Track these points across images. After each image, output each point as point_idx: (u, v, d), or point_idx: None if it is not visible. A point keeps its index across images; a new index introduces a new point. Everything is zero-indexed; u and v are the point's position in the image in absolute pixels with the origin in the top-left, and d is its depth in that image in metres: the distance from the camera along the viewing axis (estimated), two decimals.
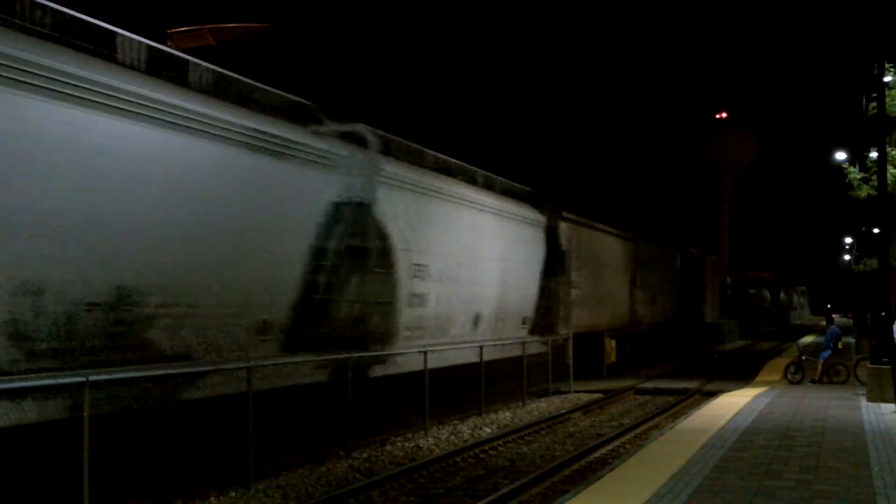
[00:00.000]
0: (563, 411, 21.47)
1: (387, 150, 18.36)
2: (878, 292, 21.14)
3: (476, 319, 21.71)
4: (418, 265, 18.66)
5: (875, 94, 20.08)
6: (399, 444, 16.44)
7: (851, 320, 69.22)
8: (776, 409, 18.04)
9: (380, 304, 17.28)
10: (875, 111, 19.99)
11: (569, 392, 25.74)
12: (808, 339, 54.56)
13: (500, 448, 16.55)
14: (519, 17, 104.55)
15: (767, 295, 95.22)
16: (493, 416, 20.56)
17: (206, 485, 12.25)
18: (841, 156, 29.58)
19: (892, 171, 20.62)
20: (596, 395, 25.03)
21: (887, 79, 20.23)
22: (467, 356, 20.31)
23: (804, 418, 16.56)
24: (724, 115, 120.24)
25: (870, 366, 20.04)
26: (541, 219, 26.98)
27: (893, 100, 20.52)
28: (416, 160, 20.05)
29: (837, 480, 10.55)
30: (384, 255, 17.46)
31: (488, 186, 23.90)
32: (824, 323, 39.16)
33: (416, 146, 20.22)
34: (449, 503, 12.27)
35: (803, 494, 9.76)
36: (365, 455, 15.12)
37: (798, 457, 12.23)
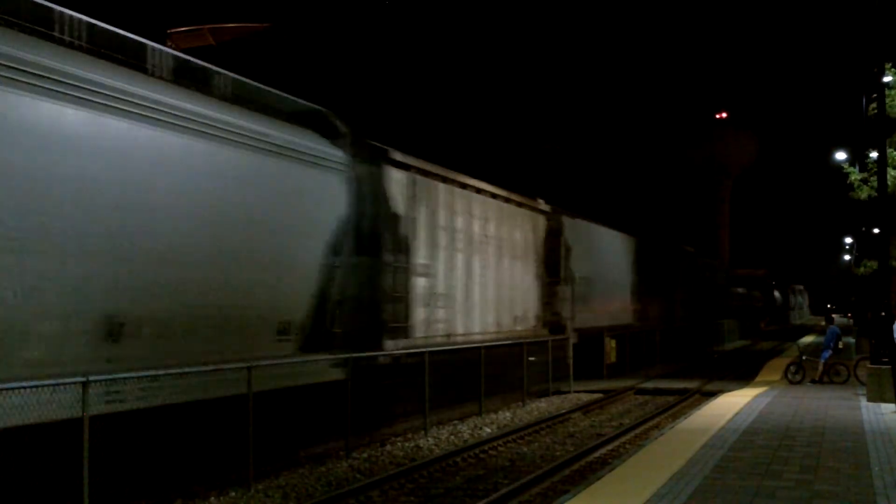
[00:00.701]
0: (563, 411, 21.47)
1: None
2: (878, 292, 21.15)
3: (111, 330, 11.34)
4: None
5: (875, 95, 20.10)
6: (399, 444, 16.44)
7: (851, 320, 69.27)
8: (776, 409, 18.05)
9: None
10: (875, 111, 20.00)
11: (569, 392, 25.74)
12: (808, 339, 54.58)
13: (500, 448, 16.55)
14: (520, 16, 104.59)
15: (759, 294, 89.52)
16: (493, 416, 20.55)
17: (206, 485, 12.26)
18: (841, 156, 29.62)
19: (892, 172, 20.63)
20: (596, 395, 25.03)
21: (887, 79, 20.24)
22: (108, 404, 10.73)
23: (804, 418, 16.56)
24: (724, 115, 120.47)
25: (870, 366, 20.07)
26: (340, 158, 16.75)
27: (893, 100, 20.53)
28: None
29: (837, 480, 10.56)
30: None
31: (199, 84, 13.87)
32: (823, 323, 39.15)
33: None
34: (449, 503, 12.27)
35: (803, 494, 9.77)
36: (365, 455, 15.12)
37: (798, 457, 12.24)
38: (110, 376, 10.57)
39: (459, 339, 20.81)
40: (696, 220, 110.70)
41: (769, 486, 10.17)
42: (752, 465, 11.52)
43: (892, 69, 20.50)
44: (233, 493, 12.11)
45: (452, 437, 17.50)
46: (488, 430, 18.53)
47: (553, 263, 27.96)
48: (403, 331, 18.23)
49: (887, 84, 20.18)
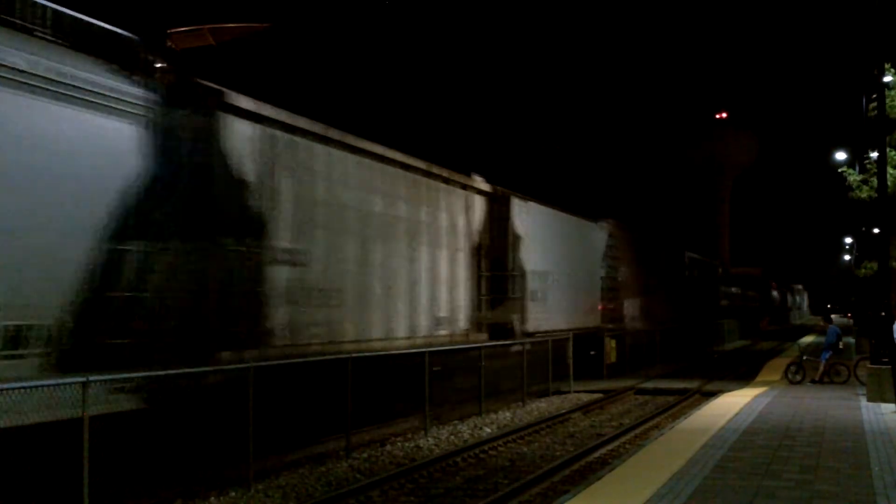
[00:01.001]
0: (563, 411, 21.47)
1: None
2: (878, 292, 21.15)
3: None
4: None
5: (875, 95, 20.10)
6: (399, 443, 16.44)
7: (851, 320, 69.31)
8: (776, 409, 18.05)
9: None
10: (875, 111, 20.00)
11: (569, 392, 25.73)
12: (808, 338, 54.57)
13: (500, 448, 16.55)
14: (521, 16, 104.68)
15: (754, 293, 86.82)
16: (493, 415, 20.55)
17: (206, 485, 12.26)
18: (841, 156, 29.66)
19: (892, 172, 20.65)
20: (596, 395, 25.02)
21: (887, 79, 20.25)
22: None
23: (804, 418, 16.56)
24: (724, 115, 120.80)
25: (870, 366, 20.07)
26: (139, 98, 12.21)
27: (893, 100, 20.54)
28: None
29: (837, 480, 10.56)
30: None
31: None
32: (822, 322, 39.05)
33: None
34: (449, 503, 12.27)
35: (803, 494, 9.77)
36: (365, 455, 15.12)
37: (798, 457, 12.24)
38: (110, 376, 10.55)
39: (348, 346, 16.19)
40: (696, 220, 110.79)
41: (769, 486, 10.17)
42: (752, 465, 11.52)
43: (892, 69, 20.51)
44: (233, 493, 12.11)
45: (452, 437, 17.50)
46: (488, 430, 18.53)
47: (498, 255, 23.73)
48: (252, 338, 13.91)
49: (887, 84, 20.19)
